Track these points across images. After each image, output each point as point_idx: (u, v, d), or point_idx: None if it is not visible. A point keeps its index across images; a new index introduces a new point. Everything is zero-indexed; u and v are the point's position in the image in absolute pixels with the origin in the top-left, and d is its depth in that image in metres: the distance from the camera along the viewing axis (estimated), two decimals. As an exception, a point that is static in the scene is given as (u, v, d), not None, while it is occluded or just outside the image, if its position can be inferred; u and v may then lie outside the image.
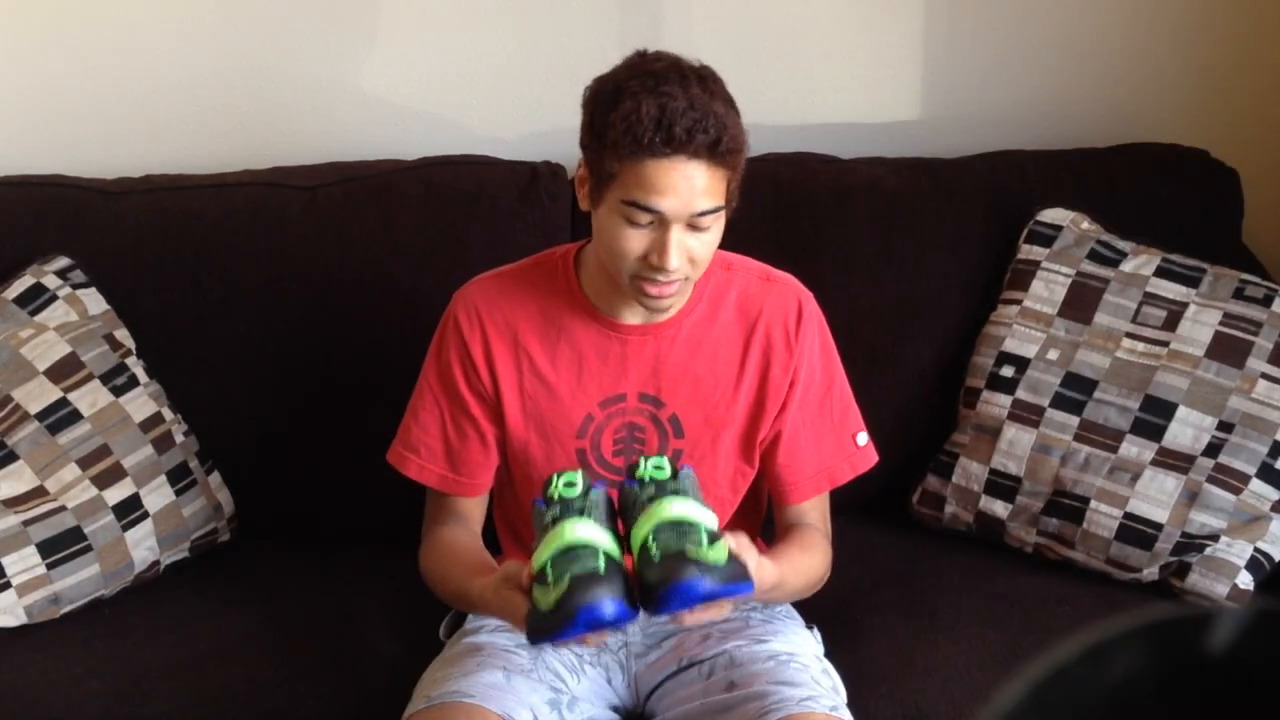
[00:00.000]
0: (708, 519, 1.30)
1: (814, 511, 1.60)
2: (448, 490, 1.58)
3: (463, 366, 1.54)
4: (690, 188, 1.34)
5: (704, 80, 1.37)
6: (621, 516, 1.35)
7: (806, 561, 1.52)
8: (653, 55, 1.39)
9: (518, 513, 1.64)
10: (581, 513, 1.30)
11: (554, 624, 1.21)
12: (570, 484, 1.33)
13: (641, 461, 1.36)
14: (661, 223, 1.37)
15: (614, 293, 1.50)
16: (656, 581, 1.22)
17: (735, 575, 1.24)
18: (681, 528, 1.27)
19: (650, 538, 1.27)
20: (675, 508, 1.29)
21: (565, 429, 1.54)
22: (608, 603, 1.20)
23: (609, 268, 1.45)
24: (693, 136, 1.32)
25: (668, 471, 1.35)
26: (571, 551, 1.25)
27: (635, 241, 1.38)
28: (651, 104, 1.32)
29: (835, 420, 1.59)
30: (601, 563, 1.25)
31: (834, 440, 1.59)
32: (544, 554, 1.27)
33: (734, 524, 1.60)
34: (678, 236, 1.37)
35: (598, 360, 1.53)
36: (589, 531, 1.28)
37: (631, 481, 1.35)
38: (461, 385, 1.54)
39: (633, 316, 1.52)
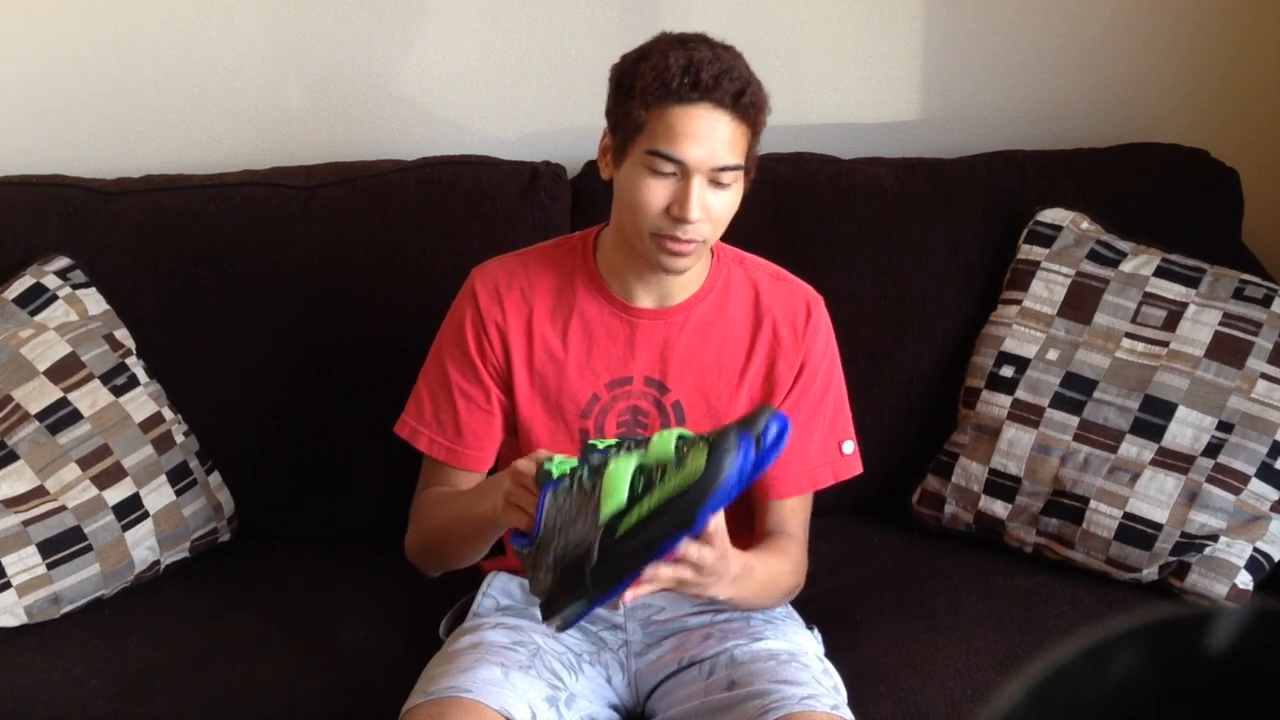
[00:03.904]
0: None
1: (794, 520, 1.60)
2: (453, 462, 1.59)
3: (476, 332, 1.56)
4: (714, 138, 1.40)
5: (729, 48, 1.45)
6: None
7: (776, 564, 1.52)
8: (679, 32, 1.48)
9: None
10: (630, 449, 1.30)
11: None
12: (606, 444, 1.32)
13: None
14: (684, 174, 1.41)
15: (629, 271, 1.53)
16: (722, 432, 1.24)
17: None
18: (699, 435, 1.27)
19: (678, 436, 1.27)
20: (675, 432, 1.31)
21: (571, 407, 1.55)
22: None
23: (629, 229, 1.47)
24: (719, 83, 1.39)
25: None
26: (642, 470, 1.25)
27: (658, 193, 1.42)
28: (680, 55, 1.40)
29: (826, 424, 1.60)
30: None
31: (821, 443, 1.60)
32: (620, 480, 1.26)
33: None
34: (699, 187, 1.41)
35: (607, 340, 1.55)
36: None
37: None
38: (473, 350, 1.56)
39: (645, 299, 1.55)
